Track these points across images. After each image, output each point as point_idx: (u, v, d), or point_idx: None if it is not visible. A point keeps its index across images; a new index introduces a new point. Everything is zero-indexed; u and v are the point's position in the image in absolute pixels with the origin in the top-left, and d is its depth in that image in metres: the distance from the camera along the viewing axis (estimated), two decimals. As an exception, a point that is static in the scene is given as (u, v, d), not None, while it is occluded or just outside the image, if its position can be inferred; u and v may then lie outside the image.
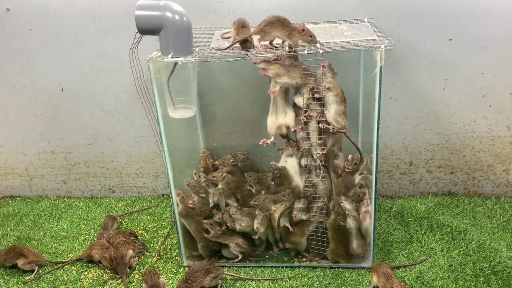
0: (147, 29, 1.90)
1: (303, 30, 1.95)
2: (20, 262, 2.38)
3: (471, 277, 2.17)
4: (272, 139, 2.12)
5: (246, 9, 2.50)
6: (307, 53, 1.93)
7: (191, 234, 2.34)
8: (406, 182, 2.89)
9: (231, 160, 2.58)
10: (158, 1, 1.90)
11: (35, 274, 2.37)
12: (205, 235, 2.29)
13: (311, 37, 1.97)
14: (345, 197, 2.21)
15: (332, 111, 2.03)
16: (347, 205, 2.17)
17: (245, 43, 2.00)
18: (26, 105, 2.93)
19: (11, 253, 2.39)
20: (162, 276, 2.24)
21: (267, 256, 2.39)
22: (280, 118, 2.11)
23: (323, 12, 2.46)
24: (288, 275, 2.25)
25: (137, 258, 2.46)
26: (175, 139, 2.32)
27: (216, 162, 2.62)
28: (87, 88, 2.82)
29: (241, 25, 2.05)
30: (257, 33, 1.99)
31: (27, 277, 2.36)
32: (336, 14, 2.44)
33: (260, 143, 2.10)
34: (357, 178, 2.40)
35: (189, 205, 2.26)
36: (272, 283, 2.22)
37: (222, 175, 2.40)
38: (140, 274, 2.35)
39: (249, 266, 2.34)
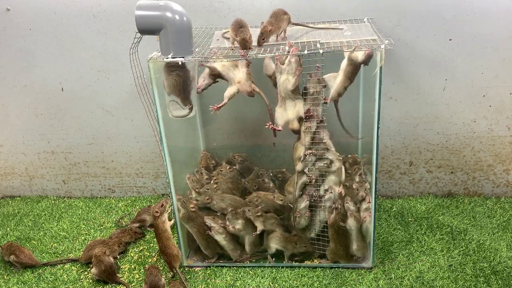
0: (147, 29, 1.90)
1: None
2: (11, 259, 2.43)
3: (471, 277, 2.17)
4: (280, 128, 2.12)
5: (246, 9, 2.50)
6: (307, 53, 1.92)
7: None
8: (406, 182, 2.89)
9: (228, 167, 2.58)
10: (158, 1, 1.90)
11: (19, 269, 2.44)
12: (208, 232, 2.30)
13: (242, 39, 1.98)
14: (350, 197, 2.22)
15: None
16: (351, 206, 2.17)
17: (246, 44, 1.99)
18: (26, 105, 2.93)
19: (7, 250, 2.46)
20: (163, 276, 2.24)
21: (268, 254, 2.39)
22: (289, 112, 2.11)
23: (323, 12, 2.46)
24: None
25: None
26: (175, 139, 2.32)
27: (214, 172, 2.59)
28: (87, 88, 2.82)
29: (239, 26, 2.03)
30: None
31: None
32: (336, 14, 2.44)
33: (267, 125, 2.11)
34: (357, 178, 2.41)
35: (191, 209, 2.26)
36: (272, 283, 2.23)
37: (214, 187, 2.41)
38: (140, 274, 2.35)
39: (249, 266, 2.34)
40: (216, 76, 2.20)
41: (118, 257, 2.49)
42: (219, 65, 2.15)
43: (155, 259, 2.46)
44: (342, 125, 2.34)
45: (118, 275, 2.34)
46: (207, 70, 2.19)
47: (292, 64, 1.98)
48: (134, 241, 2.63)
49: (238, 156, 2.66)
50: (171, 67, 2.05)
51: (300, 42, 2.06)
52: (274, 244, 2.29)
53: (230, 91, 2.17)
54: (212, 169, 2.65)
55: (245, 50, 1.97)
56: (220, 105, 2.16)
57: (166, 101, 2.16)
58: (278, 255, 2.38)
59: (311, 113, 2.07)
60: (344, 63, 2.09)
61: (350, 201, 2.19)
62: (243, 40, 1.97)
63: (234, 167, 2.64)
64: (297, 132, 2.15)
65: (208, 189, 2.39)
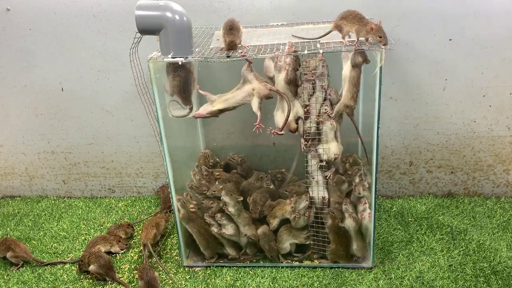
0: (147, 29, 1.90)
1: (371, 29, 1.87)
2: (8, 255, 2.44)
3: (471, 277, 2.17)
4: (282, 132, 2.11)
5: (246, 9, 2.50)
6: (307, 53, 1.92)
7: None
8: (406, 182, 2.89)
9: (226, 173, 2.57)
10: (158, 1, 1.90)
11: (18, 268, 2.44)
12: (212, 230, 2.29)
13: (380, 37, 1.86)
14: (348, 199, 2.23)
15: None
16: (349, 208, 2.17)
17: (233, 46, 1.97)
18: (26, 105, 2.93)
19: (2, 245, 2.46)
20: (156, 271, 2.25)
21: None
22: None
23: (323, 12, 2.46)
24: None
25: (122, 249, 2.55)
26: (175, 139, 2.32)
27: (217, 174, 2.57)
28: (87, 88, 2.82)
29: (229, 28, 2.01)
30: (334, 29, 2.01)
31: (12, 268, 2.45)
32: (336, 14, 2.43)
33: (268, 131, 2.10)
34: (357, 179, 2.41)
35: (191, 209, 2.26)
36: (272, 283, 2.23)
37: (221, 188, 2.39)
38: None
39: (249, 266, 2.34)
40: (222, 112, 2.17)
41: (119, 255, 2.50)
42: (220, 104, 2.13)
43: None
44: (364, 151, 2.28)
45: (117, 275, 2.34)
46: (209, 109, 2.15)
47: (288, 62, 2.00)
48: (128, 237, 2.65)
49: (238, 157, 2.65)
50: (172, 67, 2.05)
51: (301, 42, 2.06)
52: (286, 243, 2.29)
53: (255, 103, 2.09)
54: (211, 167, 2.65)
55: (231, 51, 1.96)
56: (259, 120, 2.07)
57: (166, 101, 2.16)
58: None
59: (310, 112, 2.08)
60: (346, 71, 2.03)
61: (348, 203, 2.19)
62: (231, 42, 1.97)
63: (235, 171, 2.63)
64: (295, 132, 2.15)
65: (214, 191, 2.37)
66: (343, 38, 1.98)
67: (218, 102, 2.13)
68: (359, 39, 1.93)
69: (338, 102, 2.07)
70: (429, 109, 2.65)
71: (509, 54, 2.47)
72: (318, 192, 2.20)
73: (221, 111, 2.15)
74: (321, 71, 2.02)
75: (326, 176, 2.15)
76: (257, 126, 2.07)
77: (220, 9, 2.51)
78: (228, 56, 1.94)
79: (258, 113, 2.07)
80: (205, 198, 2.38)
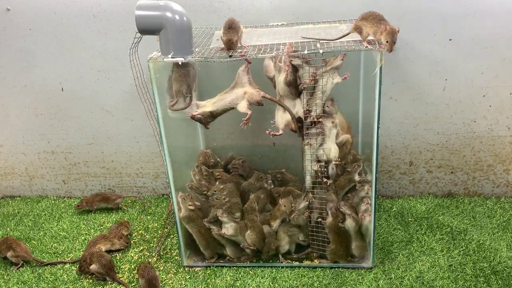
0: (147, 29, 1.91)
1: (384, 29, 1.81)
2: (9, 254, 2.44)
3: (471, 277, 2.17)
4: (280, 132, 2.11)
5: (246, 9, 2.50)
6: (307, 53, 1.92)
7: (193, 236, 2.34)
8: (406, 182, 2.89)
9: (231, 172, 2.57)
10: (158, 1, 1.90)
11: (18, 268, 2.44)
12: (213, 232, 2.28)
13: (386, 42, 1.81)
14: (344, 202, 2.22)
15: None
16: (346, 210, 2.17)
17: (231, 44, 1.97)
18: (26, 105, 2.93)
19: (3, 244, 2.46)
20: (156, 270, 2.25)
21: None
22: (288, 113, 2.10)
23: (323, 12, 2.46)
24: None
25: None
26: (175, 139, 2.32)
27: (217, 174, 2.57)
28: (87, 88, 2.82)
29: (228, 26, 2.00)
30: (353, 30, 1.97)
31: (12, 268, 2.45)
32: (336, 14, 2.44)
33: (267, 133, 2.11)
34: (356, 176, 2.40)
35: (189, 206, 2.25)
36: (272, 283, 2.23)
37: (222, 188, 2.38)
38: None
39: (249, 266, 2.34)
40: (214, 117, 2.15)
41: (119, 255, 2.50)
42: (210, 107, 2.11)
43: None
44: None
45: (117, 275, 2.34)
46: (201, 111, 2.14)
47: (288, 62, 2.00)
48: (130, 234, 2.67)
49: (237, 160, 2.64)
50: (177, 66, 2.06)
51: (301, 42, 2.06)
52: (284, 241, 2.29)
53: (243, 105, 2.07)
54: (211, 166, 2.65)
55: (231, 51, 1.96)
56: (247, 117, 2.07)
57: (166, 101, 2.16)
58: (277, 254, 2.39)
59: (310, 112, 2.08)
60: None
61: (343, 205, 2.19)
62: (228, 41, 1.97)
63: (236, 173, 2.63)
64: (296, 131, 2.15)
65: (215, 191, 2.37)
66: (364, 40, 1.93)
67: (207, 106, 2.13)
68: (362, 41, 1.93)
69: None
70: (429, 109, 2.65)
71: (509, 54, 2.47)
72: (317, 192, 2.20)
73: (212, 114, 2.13)
74: (338, 63, 2.00)
75: (323, 182, 2.15)
76: (245, 122, 2.07)
77: (220, 9, 2.52)
78: (230, 56, 1.94)
79: (248, 112, 2.06)
80: (205, 199, 2.38)
